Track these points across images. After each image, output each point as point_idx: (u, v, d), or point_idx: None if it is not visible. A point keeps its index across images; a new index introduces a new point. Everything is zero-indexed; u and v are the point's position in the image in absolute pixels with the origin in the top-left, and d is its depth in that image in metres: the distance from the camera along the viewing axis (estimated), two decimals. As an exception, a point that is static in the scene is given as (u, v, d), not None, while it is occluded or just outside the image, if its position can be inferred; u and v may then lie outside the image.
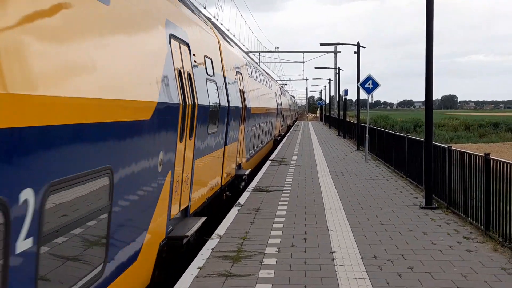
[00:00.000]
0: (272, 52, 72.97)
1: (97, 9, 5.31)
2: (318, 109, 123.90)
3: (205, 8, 27.12)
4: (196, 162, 10.03)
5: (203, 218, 9.87)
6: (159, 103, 7.06)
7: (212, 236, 10.41)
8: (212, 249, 9.47)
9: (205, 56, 11.39)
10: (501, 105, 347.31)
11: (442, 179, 13.41)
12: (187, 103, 8.89)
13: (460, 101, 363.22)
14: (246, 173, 17.22)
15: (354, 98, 35.45)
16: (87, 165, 4.84)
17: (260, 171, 20.98)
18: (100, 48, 5.34)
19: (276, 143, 33.76)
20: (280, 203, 13.93)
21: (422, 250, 9.30)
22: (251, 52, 67.65)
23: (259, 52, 70.47)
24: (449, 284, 7.56)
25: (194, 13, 11.59)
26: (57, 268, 4.48)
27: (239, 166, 17.31)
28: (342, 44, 37.43)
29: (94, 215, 5.12)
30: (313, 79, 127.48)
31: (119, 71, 5.84)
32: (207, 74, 11.46)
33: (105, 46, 5.49)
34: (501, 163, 9.70)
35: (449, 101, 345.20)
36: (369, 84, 24.35)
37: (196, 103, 9.63)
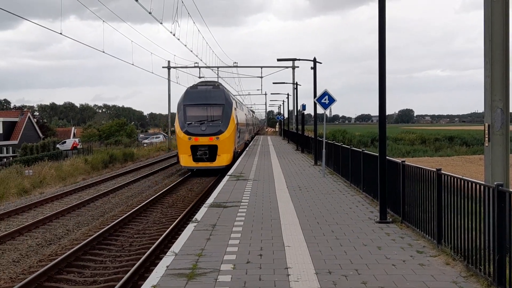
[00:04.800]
0: (230, 67, 73.06)
1: (250, 115, 79.74)
2: (277, 123, 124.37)
3: (161, 23, 27.23)
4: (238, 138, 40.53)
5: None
6: (254, 124, 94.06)
7: (167, 254, 10.34)
8: (167, 266, 9.41)
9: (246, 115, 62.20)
10: (456, 119, 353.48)
11: (396, 194, 13.58)
12: (246, 123, 60.20)
13: (416, 115, 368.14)
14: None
15: (312, 113, 35.79)
16: (246, 131, 55.78)
17: (218, 187, 20.94)
18: (252, 120, 79.03)
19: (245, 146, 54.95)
20: (237, 218, 13.92)
21: (376, 265, 9.40)
22: (209, 67, 67.58)
23: (218, 67, 70.60)
24: (402, 298, 7.64)
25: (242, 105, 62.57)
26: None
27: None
28: (299, 59, 37.68)
29: (242, 134, 49.56)
30: (271, 94, 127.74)
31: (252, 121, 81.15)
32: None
33: (250, 119, 73.16)
34: (452, 178, 9.88)
35: (406, 115, 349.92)
36: (325, 100, 24.58)
37: (239, 122, 44.47)
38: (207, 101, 35.08)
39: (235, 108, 37.82)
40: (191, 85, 37.72)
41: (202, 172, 34.98)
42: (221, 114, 34.85)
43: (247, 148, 52.25)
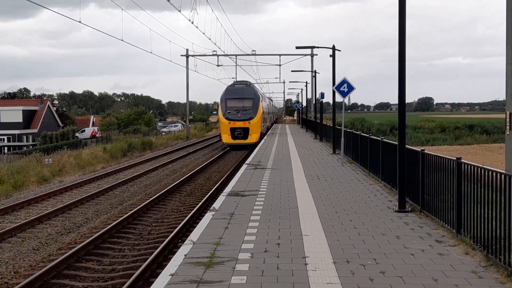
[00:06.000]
0: (248, 55, 72.92)
1: (271, 105, 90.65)
2: (296, 112, 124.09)
3: (180, 11, 27.30)
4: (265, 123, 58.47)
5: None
6: (273, 112, 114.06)
7: (185, 242, 10.35)
8: (185, 255, 9.42)
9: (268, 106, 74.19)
10: (476, 107, 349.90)
11: (415, 183, 13.47)
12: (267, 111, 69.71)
13: (436, 104, 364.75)
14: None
15: (331, 101, 35.65)
16: (268, 118, 69.04)
17: (235, 176, 20.94)
18: (272, 109, 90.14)
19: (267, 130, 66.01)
20: (255, 207, 13.91)
21: (395, 254, 9.34)
22: (227, 55, 67.51)
23: (236, 55, 70.51)
24: (420, 288, 7.59)
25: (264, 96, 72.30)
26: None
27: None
28: (318, 47, 37.54)
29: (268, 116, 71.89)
30: (289, 82, 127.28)
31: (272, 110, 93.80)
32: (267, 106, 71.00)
33: (271, 108, 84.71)
34: (473, 167, 9.77)
35: (426, 104, 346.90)
36: (344, 88, 24.43)
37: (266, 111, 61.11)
38: (242, 95, 48.90)
39: (261, 101, 51.27)
40: (231, 83, 52.57)
41: (236, 147, 47.57)
42: (252, 105, 48.43)
43: (267, 133, 52.84)
